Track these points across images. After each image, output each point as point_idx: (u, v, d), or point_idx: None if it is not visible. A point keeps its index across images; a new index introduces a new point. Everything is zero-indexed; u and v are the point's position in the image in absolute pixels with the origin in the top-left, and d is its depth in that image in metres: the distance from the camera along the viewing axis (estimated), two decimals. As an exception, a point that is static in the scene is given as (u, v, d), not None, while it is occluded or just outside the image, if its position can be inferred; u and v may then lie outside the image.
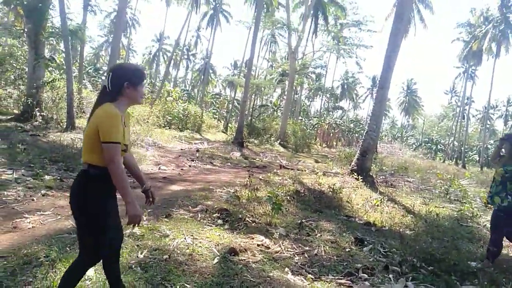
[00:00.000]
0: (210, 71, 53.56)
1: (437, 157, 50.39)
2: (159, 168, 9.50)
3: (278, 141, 26.62)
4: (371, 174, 9.28)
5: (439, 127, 66.93)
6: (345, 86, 61.64)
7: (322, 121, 45.76)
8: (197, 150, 14.64)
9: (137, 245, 3.58)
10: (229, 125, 34.98)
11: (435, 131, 65.40)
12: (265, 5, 25.91)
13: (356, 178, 8.43)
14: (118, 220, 2.24)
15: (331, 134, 47.14)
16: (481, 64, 38.33)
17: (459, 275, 3.93)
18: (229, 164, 12.67)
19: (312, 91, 53.23)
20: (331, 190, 7.27)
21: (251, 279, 3.20)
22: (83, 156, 2.13)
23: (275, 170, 10.44)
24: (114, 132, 2.02)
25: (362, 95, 66.45)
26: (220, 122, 39.68)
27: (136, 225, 2.19)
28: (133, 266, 3.11)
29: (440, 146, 54.24)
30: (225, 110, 49.99)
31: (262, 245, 4.12)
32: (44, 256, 3.07)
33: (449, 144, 53.90)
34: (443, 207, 7.87)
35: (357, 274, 3.70)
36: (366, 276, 3.67)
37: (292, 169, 12.07)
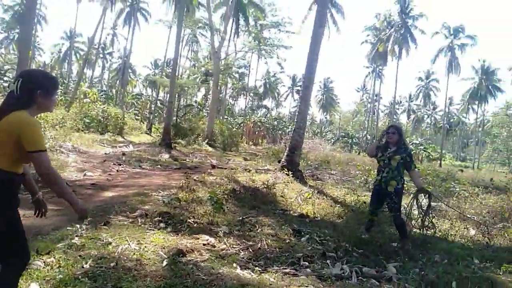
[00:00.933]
0: (129, 70, 51.25)
1: (353, 150, 54.57)
2: (85, 175, 8.96)
3: (206, 141, 26.55)
4: (299, 169, 9.86)
5: (353, 122, 72.40)
6: (268, 86, 63.54)
7: (248, 119, 46.66)
8: (123, 154, 14.04)
9: (80, 256, 3.43)
10: (153, 126, 33.94)
11: (350, 126, 70.63)
12: (185, 5, 25.64)
13: (286, 174, 8.87)
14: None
15: (257, 132, 48.29)
16: (387, 64, 42.39)
17: (384, 255, 4.45)
18: (159, 166, 12.37)
19: (236, 90, 53.94)
20: (265, 186, 7.58)
21: (203, 277, 3.28)
22: None
23: (209, 170, 10.50)
24: (41, 140, 2.04)
25: (283, 93, 69.06)
26: (143, 123, 38.28)
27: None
28: (80, 277, 2.99)
29: (355, 139, 58.73)
30: (147, 111, 48.26)
31: (208, 244, 4.21)
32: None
33: (363, 137, 58.61)
34: (364, 196, 8.65)
35: (299, 263, 4.00)
36: (307, 263, 3.98)
37: (224, 168, 12.22)
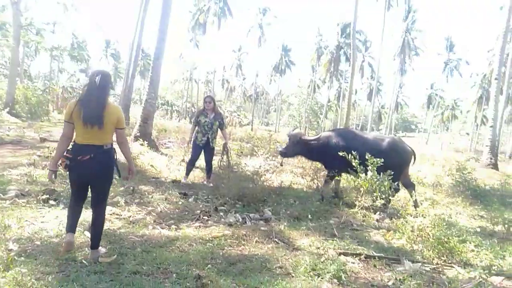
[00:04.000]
0: None
1: (172, 117, 55.59)
2: None
3: (7, 110, 22.46)
4: (153, 138, 10.13)
5: (172, 90, 72.91)
6: (75, 46, 56.62)
7: (54, 84, 41.06)
8: None
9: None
10: None
11: (170, 94, 70.97)
12: None
13: (141, 144, 9.05)
14: None
15: (67, 100, 43.19)
16: (205, 33, 44.24)
17: (256, 202, 5.61)
18: (-32, 143, 10.24)
19: (38, 49, 46.09)
20: (128, 157, 7.70)
21: (134, 238, 3.67)
22: (106, 139, 3.07)
23: (38, 145, 9.51)
24: None
25: (95, 57, 62.89)
26: None
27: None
28: (15, 257, 2.94)
29: (175, 107, 59.82)
30: None
31: (113, 214, 4.44)
32: None
33: (182, 105, 60.18)
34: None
35: (199, 218, 4.73)
36: (206, 218, 4.76)
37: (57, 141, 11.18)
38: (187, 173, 6.92)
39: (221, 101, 68.23)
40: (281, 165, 8.09)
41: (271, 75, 62.41)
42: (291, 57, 58.10)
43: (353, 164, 5.70)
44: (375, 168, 5.56)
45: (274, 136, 18.71)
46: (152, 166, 7.51)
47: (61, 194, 4.88)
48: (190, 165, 6.93)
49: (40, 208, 4.35)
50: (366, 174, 5.77)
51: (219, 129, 6.87)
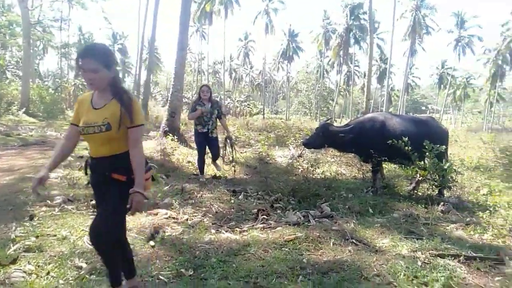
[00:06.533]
0: None
1: (183, 110, 55.39)
2: None
3: (23, 110, 22.34)
4: (181, 133, 9.82)
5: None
6: (82, 42, 56.34)
7: (66, 82, 40.95)
8: None
9: (55, 256, 2.93)
10: None
11: (178, 86, 70.62)
12: None
13: (172, 139, 8.75)
14: None
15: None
16: (212, 23, 43.58)
17: (310, 198, 5.27)
18: (-7, 145, 10.05)
19: (45, 47, 46.04)
20: (161, 154, 7.41)
21: (203, 245, 3.36)
22: None
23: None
24: None
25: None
26: None
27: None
28: (87, 276, 2.65)
29: (185, 99, 59.54)
30: None
31: (170, 217, 4.14)
32: None
33: (192, 97, 59.86)
34: (245, 152, 9.45)
35: (258, 217, 4.40)
36: (265, 217, 4.42)
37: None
38: (201, 171, 6.43)
39: (230, 91, 67.82)
40: (300, 156, 7.72)
41: (279, 62, 61.58)
42: (299, 43, 57.15)
43: (404, 150, 5.31)
44: (428, 154, 5.21)
45: (297, 124, 18.36)
46: (189, 162, 7.20)
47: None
48: (200, 162, 6.45)
49: (91, 214, 4.05)
50: (412, 161, 5.41)
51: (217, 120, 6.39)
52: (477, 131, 33.47)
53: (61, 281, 2.58)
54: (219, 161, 6.79)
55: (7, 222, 3.65)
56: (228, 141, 7.00)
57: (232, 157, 6.95)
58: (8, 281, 2.51)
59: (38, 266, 2.77)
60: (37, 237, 3.32)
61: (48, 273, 2.67)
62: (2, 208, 4.19)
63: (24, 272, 2.65)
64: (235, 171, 6.90)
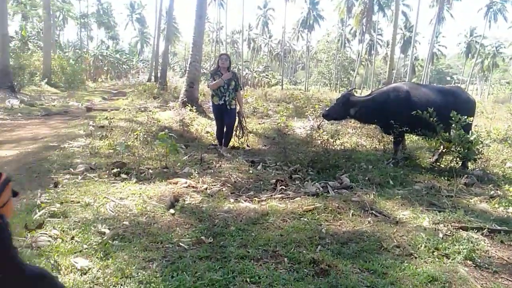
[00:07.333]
0: None
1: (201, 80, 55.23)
2: None
3: (45, 81, 22.73)
4: (200, 103, 9.80)
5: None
6: (101, 12, 56.15)
7: (86, 53, 41.26)
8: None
9: (79, 222, 3.01)
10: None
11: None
12: None
13: (190, 110, 8.75)
14: None
15: (99, 68, 43.51)
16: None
17: (333, 168, 5.20)
18: (19, 115, 10.33)
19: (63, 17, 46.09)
20: (181, 125, 7.44)
21: (222, 214, 3.38)
22: None
23: (86, 114, 9.42)
24: None
25: (121, 23, 62.35)
26: None
27: None
28: (110, 241, 2.71)
29: (204, 70, 59.20)
30: None
31: (189, 186, 4.18)
32: None
33: (210, 67, 59.42)
34: (263, 123, 9.38)
35: (276, 187, 4.39)
36: (283, 187, 4.41)
37: (104, 110, 11.12)
38: (220, 143, 6.38)
39: (248, 62, 66.95)
40: (319, 128, 7.64)
41: (298, 31, 60.01)
42: (320, 11, 55.35)
43: (430, 121, 5.15)
44: (454, 126, 5.04)
45: (317, 95, 18.04)
46: (208, 132, 7.21)
47: (132, 167, 4.65)
48: (219, 132, 6.40)
49: (113, 183, 4.14)
50: (436, 132, 5.26)
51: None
52: (505, 102, 32.29)
53: (85, 246, 2.64)
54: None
55: (32, 188, 3.76)
56: (240, 116, 6.75)
57: (242, 133, 6.78)
58: (35, 244, 2.60)
59: (63, 231, 2.85)
60: (61, 203, 3.41)
61: (72, 238, 2.75)
62: (28, 175, 4.33)
63: (50, 236, 2.73)
64: (248, 145, 6.77)
